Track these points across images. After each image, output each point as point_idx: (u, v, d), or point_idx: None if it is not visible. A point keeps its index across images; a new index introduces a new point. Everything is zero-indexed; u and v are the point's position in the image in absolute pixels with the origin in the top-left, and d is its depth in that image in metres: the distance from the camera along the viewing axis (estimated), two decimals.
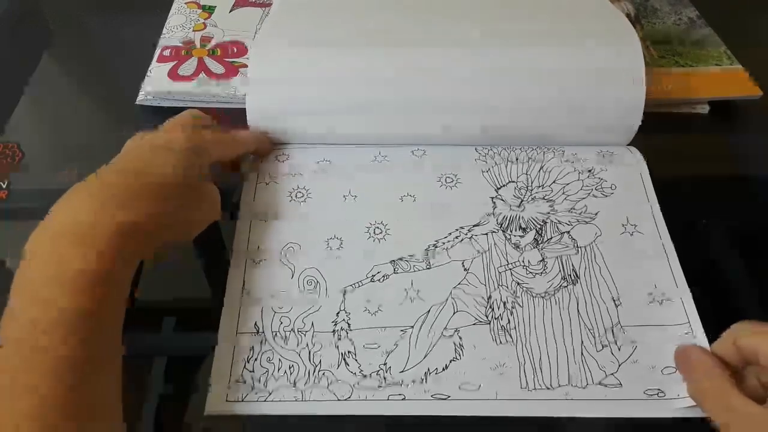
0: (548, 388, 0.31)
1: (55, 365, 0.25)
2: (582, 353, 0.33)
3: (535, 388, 0.31)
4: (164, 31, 0.51)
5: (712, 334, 0.32)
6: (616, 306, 0.34)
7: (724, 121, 0.47)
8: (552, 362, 0.32)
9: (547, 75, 0.40)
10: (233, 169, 0.40)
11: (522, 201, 0.38)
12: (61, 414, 0.24)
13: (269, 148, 0.41)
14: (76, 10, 0.58)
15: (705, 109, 0.47)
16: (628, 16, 0.46)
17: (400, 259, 0.36)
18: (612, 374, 0.32)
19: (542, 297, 0.34)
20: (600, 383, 0.32)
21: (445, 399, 0.31)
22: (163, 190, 0.31)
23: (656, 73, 0.46)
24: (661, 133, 0.40)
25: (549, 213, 0.38)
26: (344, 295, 0.34)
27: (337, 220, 0.37)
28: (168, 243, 0.32)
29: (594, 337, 0.33)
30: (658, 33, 0.52)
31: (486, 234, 0.37)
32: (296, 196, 0.39)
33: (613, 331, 0.33)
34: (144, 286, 0.37)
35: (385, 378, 0.32)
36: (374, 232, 0.37)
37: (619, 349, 0.33)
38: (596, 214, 0.38)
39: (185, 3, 0.53)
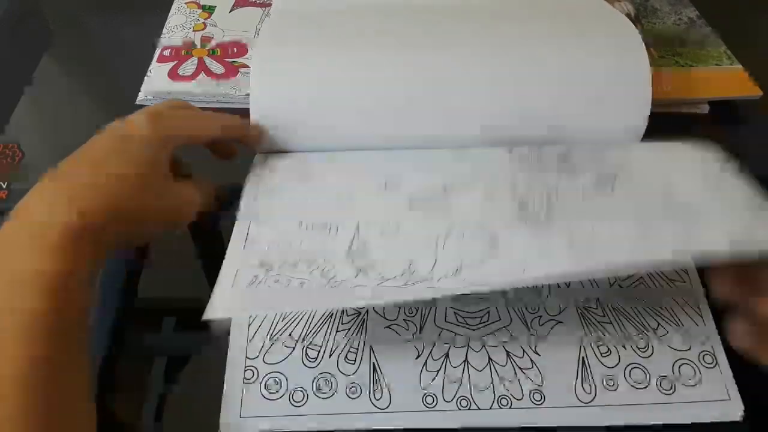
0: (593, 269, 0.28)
1: (17, 367, 0.24)
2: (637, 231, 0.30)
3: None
4: (164, 31, 0.51)
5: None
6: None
7: (724, 121, 0.47)
8: (599, 243, 0.29)
9: (553, 78, 0.39)
10: (224, 156, 0.39)
11: (539, 151, 0.37)
12: (27, 415, 0.24)
13: (256, 135, 0.39)
14: (76, 10, 0.58)
15: (705, 109, 0.47)
16: (628, 16, 0.46)
17: (418, 197, 0.34)
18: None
19: (581, 190, 0.32)
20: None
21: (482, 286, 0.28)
22: (121, 183, 0.30)
23: (656, 73, 0.46)
24: (661, 133, 0.40)
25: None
26: (358, 227, 0.32)
27: (347, 184, 0.36)
28: (134, 238, 0.32)
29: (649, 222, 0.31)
30: (658, 33, 0.52)
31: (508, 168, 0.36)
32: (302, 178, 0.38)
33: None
34: (144, 286, 0.38)
35: (412, 273, 0.29)
36: (387, 187, 0.35)
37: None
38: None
39: (185, 3, 0.53)
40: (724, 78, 0.47)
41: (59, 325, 0.26)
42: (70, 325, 0.27)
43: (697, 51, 0.50)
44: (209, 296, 0.38)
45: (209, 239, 0.35)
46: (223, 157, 0.39)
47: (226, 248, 0.38)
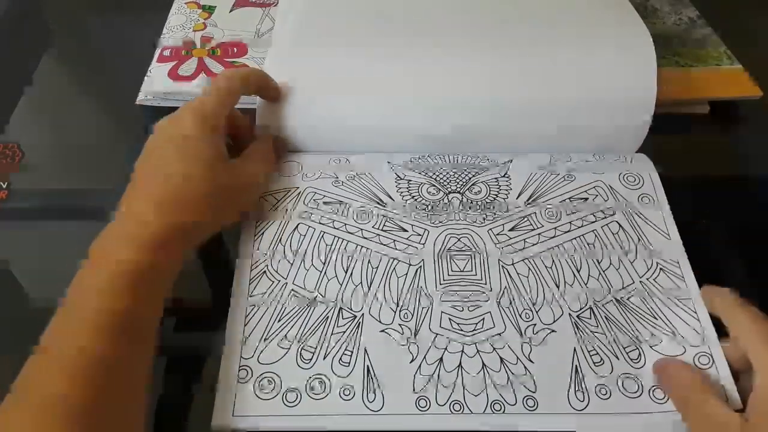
0: None
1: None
2: None
3: None
4: (164, 31, 0.51)
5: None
6: None
7: (725, 121, 0.47)
8: None
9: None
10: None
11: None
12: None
13: (269, 83, 0.39)
14: (76, 10, 0.58)
15: (705, 109, 0.47)
16: None
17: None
18: None
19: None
20: None
21: None
22: (193, 189, 0.33)
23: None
24: (661, 134, 0.40)
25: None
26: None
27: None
28: (214, 229, 0.35)
29: None
30: (658, 33, 0.52)
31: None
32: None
33: None
34: None
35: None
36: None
37: None
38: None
39: (185, 3, 0.53)
40: (724, 78, 0.47)
41: (133, 320, 0.29)
42: (145, 320, 0.30)
43: (697, 51, 0.50)
44: (210, 296, 0.38)
45: (209, 239, 0.35)
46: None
47: (225, 248, 0.38)
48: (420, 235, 0.37)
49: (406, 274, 0.35)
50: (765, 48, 0.52)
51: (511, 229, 0.37)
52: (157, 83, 0.46)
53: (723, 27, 0.51)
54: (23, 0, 0.59)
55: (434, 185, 0.39)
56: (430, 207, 0.38)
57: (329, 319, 0.33)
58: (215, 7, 0.53)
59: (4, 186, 0.42)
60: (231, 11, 0.53)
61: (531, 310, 0.34)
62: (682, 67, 0.48)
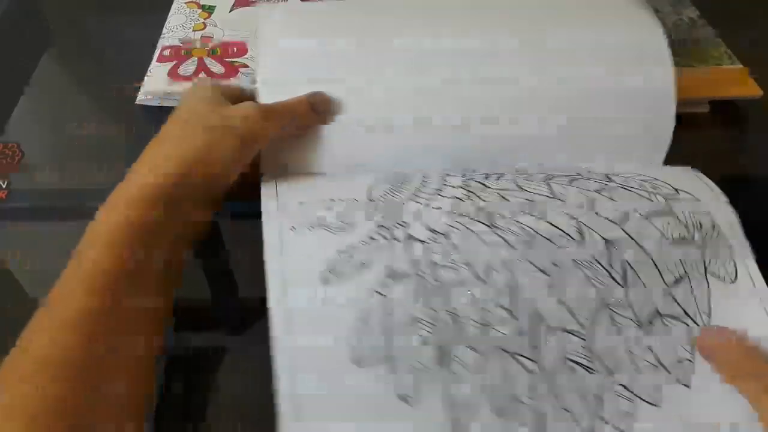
0: None
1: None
2: None
3: None
4: (164, 31, 0.51)
5: None
6: None
7: (725, 121, 0.47)
8: None
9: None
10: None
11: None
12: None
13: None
14: (76, 10, 0.58)
15: (705, 109, 0.47)
16: None
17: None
18: None
19: None
20: None
21: None
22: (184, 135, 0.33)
23: None
24: None
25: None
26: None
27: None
28: (217, 182, 0.33)
29: None
30: None
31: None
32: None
33: None
34: None
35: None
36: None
37: None
38: None
39: (185, 3, 0.53)
40: (725, 78, 0.47)
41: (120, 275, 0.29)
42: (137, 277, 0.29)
43: (697, 51, 0.50)
44: (209, 296, 0.38)
45: (209, 238, 0.35)
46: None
47: (225, 247, 0.38)
48: None
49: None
50: (765, 48, 0.52)
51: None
52: (157, 83, 0.46)
53: (723, 27, 0.51)
54: (23, 0, 0.59)
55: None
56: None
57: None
58: (215, 7, 0.53)
59: (4, 186, 0.42)
60: (231, 11, 0.53)
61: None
62: (682, 67, 0.48)
